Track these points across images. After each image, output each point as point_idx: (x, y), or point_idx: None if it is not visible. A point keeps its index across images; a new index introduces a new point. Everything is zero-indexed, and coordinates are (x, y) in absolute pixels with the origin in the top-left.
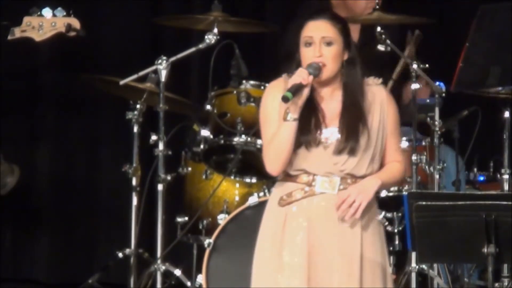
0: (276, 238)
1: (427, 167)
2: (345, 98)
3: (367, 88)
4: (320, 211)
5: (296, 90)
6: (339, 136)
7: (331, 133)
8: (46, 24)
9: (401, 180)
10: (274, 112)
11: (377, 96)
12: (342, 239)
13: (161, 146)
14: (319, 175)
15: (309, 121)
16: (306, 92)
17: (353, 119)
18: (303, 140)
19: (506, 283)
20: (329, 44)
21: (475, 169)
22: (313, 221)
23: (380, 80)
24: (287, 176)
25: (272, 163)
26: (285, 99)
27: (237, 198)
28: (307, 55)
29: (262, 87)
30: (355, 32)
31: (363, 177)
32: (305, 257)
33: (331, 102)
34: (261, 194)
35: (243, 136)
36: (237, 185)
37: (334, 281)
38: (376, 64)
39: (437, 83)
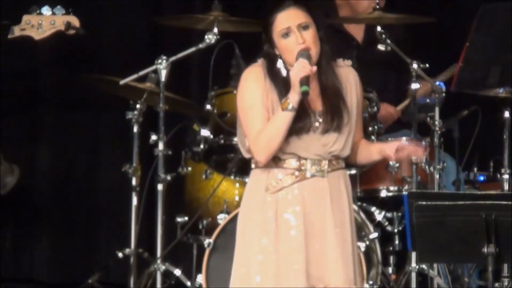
0: (270, 229)
1: (427, 167)
2: (321, 78)
3: (339, 69)
4: (311, 195)
5: (307, 82)
6: (323, 117)
7: (316, 116)
8: (45, 23)
9: None
10: (258, 100)
11: (350, 77)
12: (335, 215)
13: (161, 146)
14: (308, 159)
15: (297, 109)
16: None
17: (334, 97)
18: (295, 128)
19: (506, 283)
20: (305, 28)
21: (475, 169)
22: (306, 205)
23: (350, 62)
24: (272, 162)
25: (264, 152)
26: (306, 93)
27: (237, 198)
28: (290, 44)
29: None
30: (359, 31)
31: (346, 158)
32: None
33: (311, 84)
34: None
35: None
36: (237, 185)
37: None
38: (380, 65)
39: (437, 83)
